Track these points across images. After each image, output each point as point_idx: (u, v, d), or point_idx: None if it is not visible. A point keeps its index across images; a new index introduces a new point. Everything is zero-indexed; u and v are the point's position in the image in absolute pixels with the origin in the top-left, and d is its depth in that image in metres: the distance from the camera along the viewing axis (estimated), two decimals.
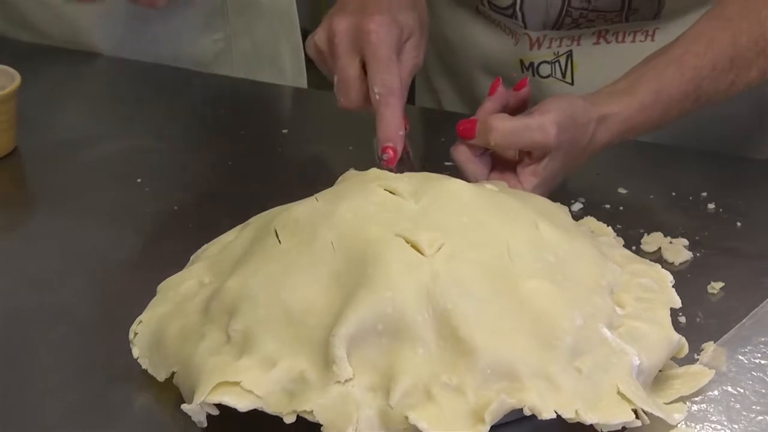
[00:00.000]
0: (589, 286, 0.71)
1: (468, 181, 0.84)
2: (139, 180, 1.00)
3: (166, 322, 0.73)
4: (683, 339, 0.71)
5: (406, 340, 0.65)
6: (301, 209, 0.74)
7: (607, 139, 0.87)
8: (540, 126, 0.83)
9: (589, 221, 0.89)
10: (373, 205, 0.73)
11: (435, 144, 1.07)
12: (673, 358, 0.72)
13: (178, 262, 0.81)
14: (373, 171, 0.79)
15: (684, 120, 0.91)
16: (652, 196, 0.97)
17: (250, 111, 1.18)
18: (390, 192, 0.74)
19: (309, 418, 0.63)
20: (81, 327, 0.79)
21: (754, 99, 1.03)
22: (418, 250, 0.68)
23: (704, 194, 0.97)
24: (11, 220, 0.98)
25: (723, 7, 0.93)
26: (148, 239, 0.92)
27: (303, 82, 1.43)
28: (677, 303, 0.74)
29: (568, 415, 0.63)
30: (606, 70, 0.92)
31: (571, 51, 1.10)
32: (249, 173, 1.02)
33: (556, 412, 0.63)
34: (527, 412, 0.63)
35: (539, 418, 0.63)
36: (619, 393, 0.65)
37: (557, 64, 1.11)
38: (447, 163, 0.95)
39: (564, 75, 1.11)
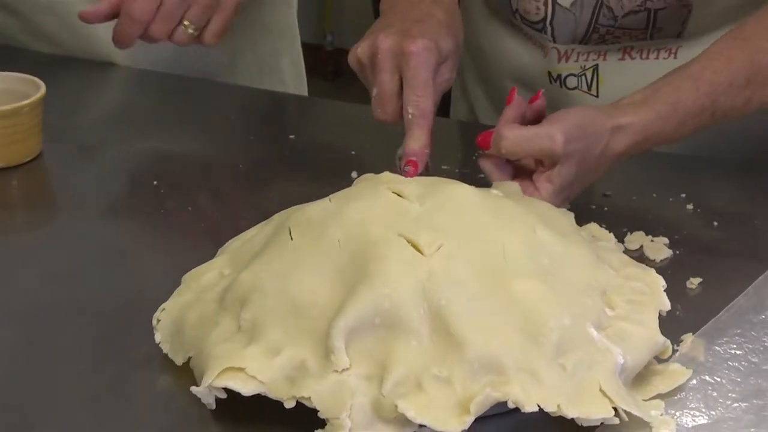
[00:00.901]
0: (580, 288, 0.73)
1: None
2: (155, 182, 1.03)
3: (187, 310, 0.76)
4: (668, 341, 0.73)
5: (401, 333, 0.67)
6: (315, 208, 0.77)
7: (623, 149, 0.89)
8: (548, 134, 0.85)
9: (592, 227, 0.90)
10: (379, 206, 0.75)
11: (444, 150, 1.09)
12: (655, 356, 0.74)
13: (191, 259, 0.84)
14: (386, 174, 0.82)
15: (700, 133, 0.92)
16: (634, 197, 1.00)
17: (258, 117, 1.21)
18: (398, 194, 0.76)
19: (307, 403, 0.66)
20: (105, 317, 0.82)
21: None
22: (419, 250, 0.71)
23: (683, 195, 0.99)
24: (36, 219, 1.01)
25: (742, 28, 0.94)
26: (163, 237, 0.95)
27: (304, 94, 1.46)
28: (666, 306, 0.76)
29: (550, 408, 0.65)
30: (630, 84, 0.94)
31: (597, 65, 1.12)
32: (258, 176, 1.05)
33: (538, 406, 0.65)
34: (511, 405, 0.65)
35: (522, 410, 0.65)
36: (600, 390, 0.67)
37: (584, 77, 1.13)
38: (444, 168, 0.99)
39: (590, 88, 1.13)
